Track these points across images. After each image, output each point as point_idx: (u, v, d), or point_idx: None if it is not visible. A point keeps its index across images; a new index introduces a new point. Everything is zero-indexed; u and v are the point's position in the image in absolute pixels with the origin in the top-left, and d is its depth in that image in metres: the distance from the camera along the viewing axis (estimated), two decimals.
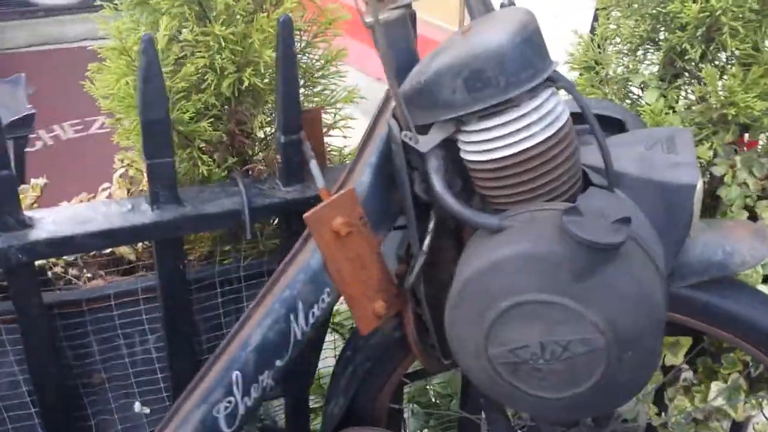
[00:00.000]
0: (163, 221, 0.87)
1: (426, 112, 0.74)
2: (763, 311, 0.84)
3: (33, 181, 1.12)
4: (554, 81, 0.72)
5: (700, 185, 0.75)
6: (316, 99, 1.03)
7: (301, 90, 1.00)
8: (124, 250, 1.05)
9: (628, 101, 1.05)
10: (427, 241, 0.81)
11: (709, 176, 0.98)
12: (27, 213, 0.85)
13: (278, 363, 0.85)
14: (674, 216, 0.76)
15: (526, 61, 0.69)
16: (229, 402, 0.84)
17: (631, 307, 0.67)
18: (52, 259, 1.06)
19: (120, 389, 1.03)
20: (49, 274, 1.06)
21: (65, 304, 0.93)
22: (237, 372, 0.84)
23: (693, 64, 0.97)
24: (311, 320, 0.85)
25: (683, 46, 0.94)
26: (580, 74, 1.05)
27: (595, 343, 0.69)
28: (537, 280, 0.68)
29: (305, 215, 0.79)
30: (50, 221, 0.85)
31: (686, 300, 0.85)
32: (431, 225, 0.81)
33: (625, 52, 1.02)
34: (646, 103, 0.98)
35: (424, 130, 0.75)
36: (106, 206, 0.88)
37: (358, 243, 0.83)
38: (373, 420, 1.11)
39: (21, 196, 0.97)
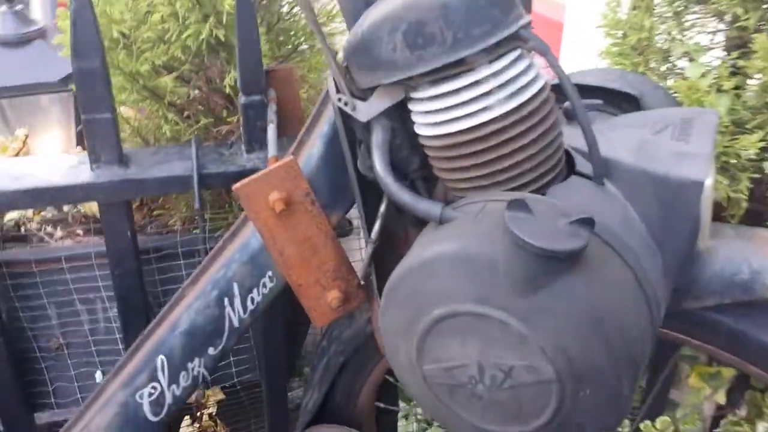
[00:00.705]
0: (103, 183, 0.78)
1: (367, 73, 0.60)
2: None
3: (16, 132, 1.08)
4: (524, 41, 0.57)
5: (709, 183, 0.58)
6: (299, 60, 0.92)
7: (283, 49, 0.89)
8: (90, 209, 0.99)
9: (671, 77, 0.87)
10: (376, 227, 0.69)
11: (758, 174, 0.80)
12: None
13: (211, 351, 0.76)
14: (675, 219, 0.59)
15: (479, 14, 0.54)
16: (154, 388, 0.76)
17: (590, 333, 0.52)
18: (28, 215, 1.02)
19: (80, 356, 0.98)
20: (22, 229, 1.01)
21: (14, 263, 0.88)
22: (163, 357, 0.75)
23: (747, 32, 0.78)
24: (250, 306, 0.75)
25: (734, 12, 0.76)
26: (614, 42, 0.88)
27: (543, 374, 0.55)
28: (474, 288, 0.54)
29: (234, 186, 0.68)
30: None
31: (707, 325, 0.68)
32: (382, 208, 0.68)
33: (669, 15, 0.84)
34: (686, 79, 0.80)
35: (369, 94, 0.62)
36: (46, 163, 0.81)
37: (306, 224, 0.72)
38: (354, 419, 1.01)
39: (3, 147, 0.92)
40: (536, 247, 0.50)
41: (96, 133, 0.76)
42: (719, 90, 0.80)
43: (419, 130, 0.61)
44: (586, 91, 0.73)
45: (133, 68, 0.84)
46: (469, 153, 0.59)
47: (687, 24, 0.84)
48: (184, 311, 0.75)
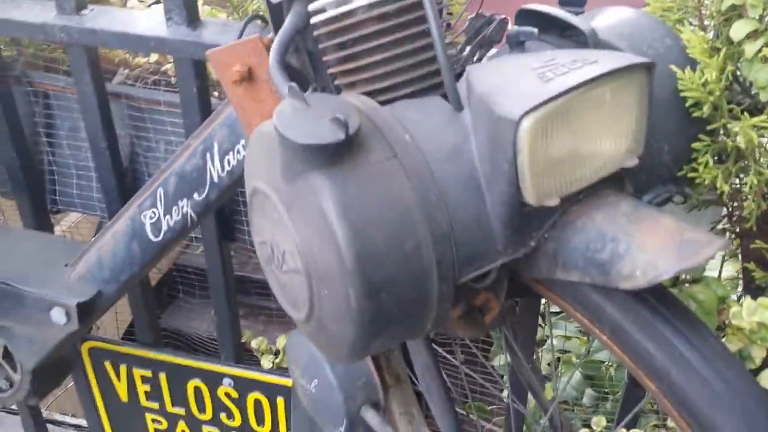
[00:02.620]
0: (173, 40, 0.94)
1: None
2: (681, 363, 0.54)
3: None
4: None
5: (529, 123, 0.50)
6: None
7: None
8: None
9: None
10: None
11: None
12: None
13: (196, 197, 0.88)
14: (496, 160, 0.53)
15: None
16: (154, 213, 0.91)
17: (325, 234, 0.51)
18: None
19: None
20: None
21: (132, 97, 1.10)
22: (161, 189, 0.90)
23: None
24: (227, 167, 0.85)
25: None
26: None
27: (296, 264, 0.55)
28: (265, 168, 0.57)
29: (207, 52, 0.77)
30: None
31: (591, 307, 0.60)
32: None
33: None
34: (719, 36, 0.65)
35: None
36: (144, 15, 0.99)
37: (271, 101, 0.78)
38: None
39: None
40: (281, 135, 0.51)
41: None
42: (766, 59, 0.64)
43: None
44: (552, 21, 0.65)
45: None
46: (333, 45, 0.60)
47: None
48: (182, 158, 0.88)
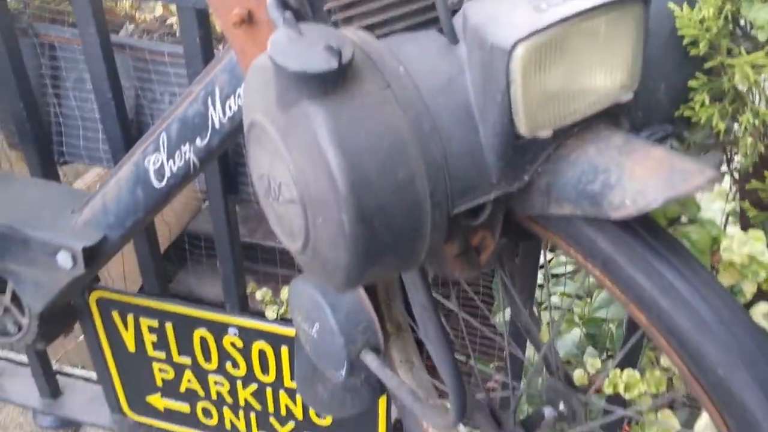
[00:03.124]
0: None
1: None
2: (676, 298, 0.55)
3: None
4: None
5: (521, 52, 0.50)
6: None
7: None
8: None
9: None
10: None
11: None
12: None
13: (198, 142, 0.89)
14: (489, 90, 0.53)
15: None
16: (157, 159, 0.92)
17: (319, 160, 0.52)
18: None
19: None
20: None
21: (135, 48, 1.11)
22: (164, 134, 0.91)
23: None
24: (228, 112, 0.86)
25: None
26: None
27: (291, 193, 0.56)
28: (262, 99, 0.58)
29: None
30: None
31: (583, 240, 0.60)
32: None
33: None
34: None
35: None
36: None
37: None
38: None
39: None
40: (275, 63, 0.52)
41: None
42: None
43: None
44: None
45: None
46: None
47: None
48: (184, 103, 0.89)
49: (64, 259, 0.99)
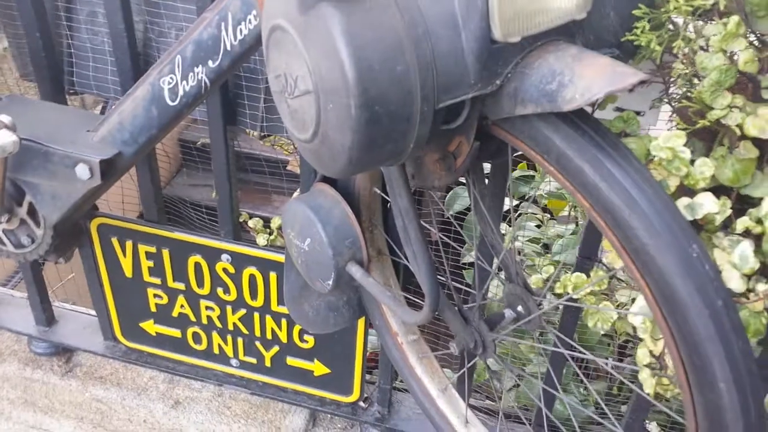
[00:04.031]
0: None
1: None
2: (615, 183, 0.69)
3: None
4: None
5: None
6: None
7: None
8: None
9: None
10: None
11: None
12: None
13: (211, 63, 1.00)
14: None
15: None
16: (172, 78, 1.03)
17: (332, 54, 0.64)
18: None
19: None
20: None
21: None
22: (179, 56, 1.02)
23: None
24: (239, 36, 0.97)
25: None
26: None
27: (307, 85, 0.69)
28: (283, 4, 0.69)
29: None
30: None
31: (540, 139, 0.73)
32: None
33: None
34: None
35: None
36: None
37: None
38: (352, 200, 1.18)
39: None
40: None
41: None
42: None
43: None
44: None
45: None
46: None
47: None
48: (199, 27, 1.00)
49: (82, 170, 1.09)
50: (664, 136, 0.73)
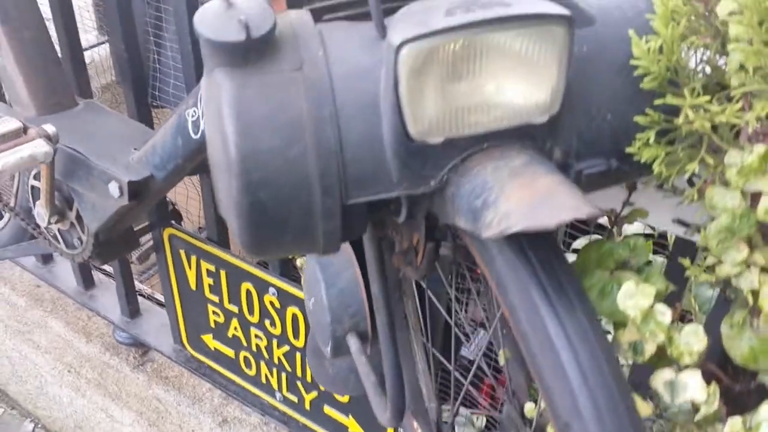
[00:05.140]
0: None
1: None
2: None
3: None
4: None
5: (407, 52, 0.50)
6: None
7: None
8: None
9: None
10: None
11: None
12: None
13: None
14: (388, 84, 0.53)
15: None
16: (194, 112, 1.00)
17: (220, 127, 0.55)
18: None
19: None
20: None
21: None
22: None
23: None
24: None
25: None
26: None
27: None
28: None
29: None
30: None
31: (479, 244, 0.59)
32: None
33: None
34: None
35: None
36: None
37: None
38: None
39: None
40: (195, 28, 0.55)
41: None
42: None
43: None
44: None
45: None
46: None
47: None
48: None
49: (113, 188, 1.10)
50: (628, 288, 0.55)
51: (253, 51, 0.55)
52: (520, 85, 0.53)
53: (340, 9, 0.60)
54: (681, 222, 0.75)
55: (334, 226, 0.59)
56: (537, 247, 0.56)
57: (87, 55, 1.88)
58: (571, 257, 1.59)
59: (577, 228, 1.50)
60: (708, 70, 0.59)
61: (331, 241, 0.61)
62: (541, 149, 0.57)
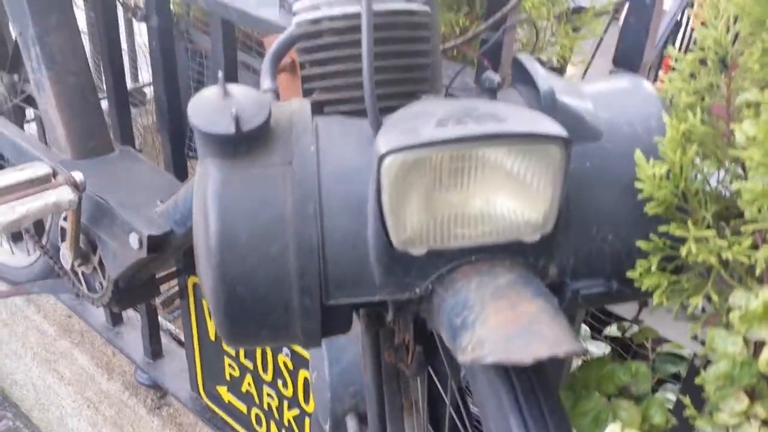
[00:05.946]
0: None
1: None
2: None
3: None
4: None
5: (391, 162, 0.48)
6: None
7: None
8: None
9: None
10: None
11: None
12: None
13: None
14: (373, 189, 0.51)
15: None
16: None
17: (204, 217, 0.54)
18: None
19: None
20: None
21: None
22: None
23: None
24: None
25: None
26: None
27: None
28: None
29: (264, 38, 0.83)
30: None
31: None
32: None
33: None
34: None
35: None
36: None
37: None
38: None
39: None
40: (189, 117, 0.55)
41: None
42: None
43: None
44: None
45: None
46: (300, 50, 0.62)
47: None
48: None
49: (133, 240, 1.11)
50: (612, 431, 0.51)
51: (243, 144, 0.54)
52: (510, 201, 0.51)
53: (343, 103, 0.59)
54: (699, 340, 0.71)
55: (313, 325, 0.57)
56: (522, 371, 0.52)
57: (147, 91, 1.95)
58: (597, 345, 1.51)
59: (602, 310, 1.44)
60: (727, 193, 0.55)
61: (311, 338, 0.58)
62: (534, 266, 0.54)
